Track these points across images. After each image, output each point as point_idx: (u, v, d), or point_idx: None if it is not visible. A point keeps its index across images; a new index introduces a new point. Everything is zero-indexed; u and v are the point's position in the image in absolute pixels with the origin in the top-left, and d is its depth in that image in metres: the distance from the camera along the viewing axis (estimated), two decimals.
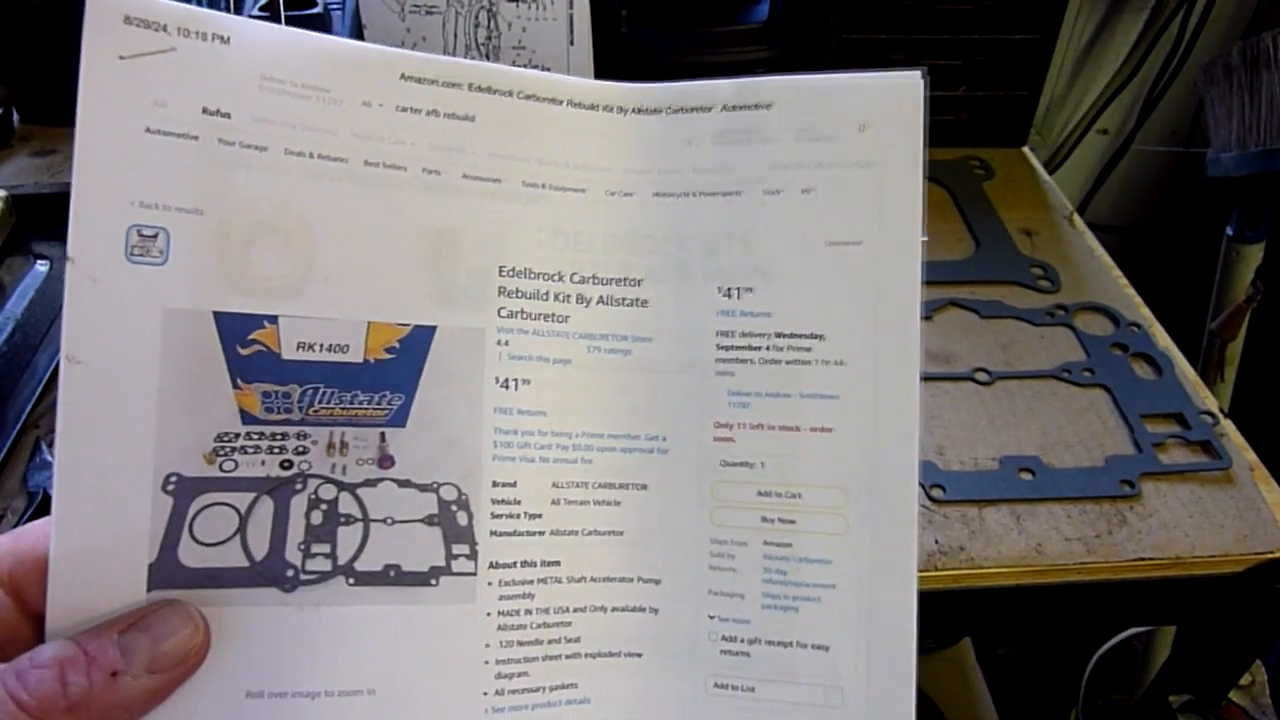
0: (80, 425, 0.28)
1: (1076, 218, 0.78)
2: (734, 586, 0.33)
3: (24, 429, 0.58)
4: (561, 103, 0.33)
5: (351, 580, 0.30)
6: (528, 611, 0.32)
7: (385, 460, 0.31)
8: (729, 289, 0.34)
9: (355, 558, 0.30)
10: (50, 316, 0.66)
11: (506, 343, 0.32)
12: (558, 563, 0.33)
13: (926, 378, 0.62)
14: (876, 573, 0.32)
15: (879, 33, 0.81)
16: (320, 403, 0.30)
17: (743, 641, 0.33)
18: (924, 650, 1.08)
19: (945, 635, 1.06)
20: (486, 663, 0.32)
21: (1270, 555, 0.51)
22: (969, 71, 0.83)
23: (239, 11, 0.79)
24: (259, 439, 0.30)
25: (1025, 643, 1.20)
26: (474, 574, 0.32)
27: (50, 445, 0.56)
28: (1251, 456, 0.57)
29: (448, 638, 0.31)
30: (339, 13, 0.88)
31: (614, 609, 0.33)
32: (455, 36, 0.78)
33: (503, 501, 0.32)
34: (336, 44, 0.31)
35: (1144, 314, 0.68)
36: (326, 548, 0.30)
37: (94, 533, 0.28)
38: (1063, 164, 1.18)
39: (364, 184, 0.31)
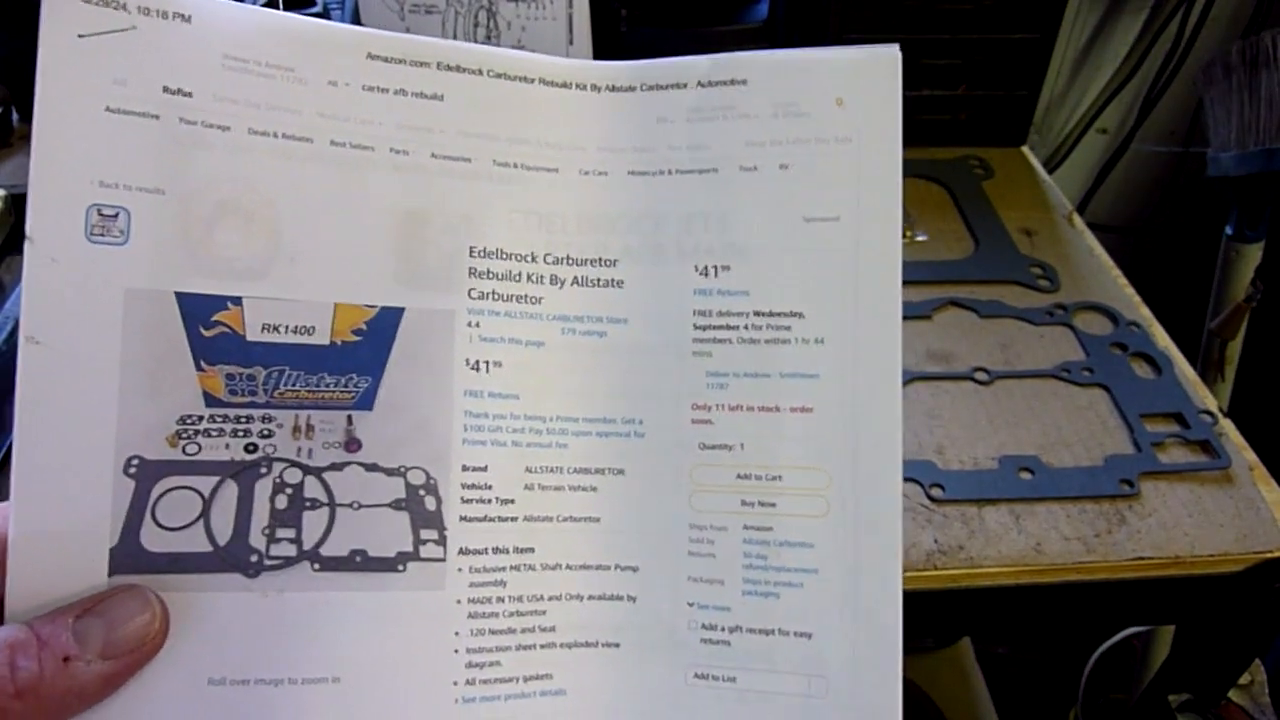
0: (40, 407, 0.28)
1: (1076, 217, 0.78)
2: (714, 573, 0.32)
3: None
4: (533, 81, 0.33)
5: (316, 566, 0.30)
6: (500, 599, 0.32)
7: (352, 444, 0.31)
8: (706, 268, 0.33)
9: (320, 543, 0.30)
10: None
11: (477, 324, 0.32)
12: (531, 549, 0.32)
13: (925, 377, 0.61)
14: (860, 557, 0.32)
15: (879, 32, 0.81)
16: (285, 385, 0.30)
17: (723, 630, 0.32)
18: (923, 649, 1.08)
19: (945, 635, 1.06)
20: (456, 651, 0.31)
21: (1269, 554, 0.51)
22: (968, 71, 0.83)
23: None
24: (223, 421, 0.30)
25: (1024, 642, 1.19)
26: (443, 560, 0.31)
27: None
28: (1251, 456, 0.56)
29: (415, 625, 0.31)
30: (338, 11, 0.88)
31: (590, 597, 0.33)
32: (454, 36, 0.79)
33: (473, 486, 0.31)
34: (302, 22, 0.30)
35: (1143, 313, 0.68)
36: (291, 532, 0.30)
37: (54, 516, 0.28)
38: (1062, 163, 1.18)
39: (330, 164, 0.30)
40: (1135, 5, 1.08)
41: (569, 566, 0.33)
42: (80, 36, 0.28)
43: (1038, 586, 0.51)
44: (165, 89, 0.29)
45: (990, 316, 0.67)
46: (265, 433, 0.30)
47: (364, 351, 0.31)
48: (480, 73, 0.32)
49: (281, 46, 0.30)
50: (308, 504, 0.30)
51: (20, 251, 0.70)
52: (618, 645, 0.32)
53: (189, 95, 0.29)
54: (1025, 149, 0.87)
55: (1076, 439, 0.57)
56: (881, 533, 0.32)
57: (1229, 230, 0.90)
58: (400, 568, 0.31)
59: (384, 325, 0.31)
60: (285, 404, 0.30)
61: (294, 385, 0.30)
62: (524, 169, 0.33)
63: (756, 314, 0.33)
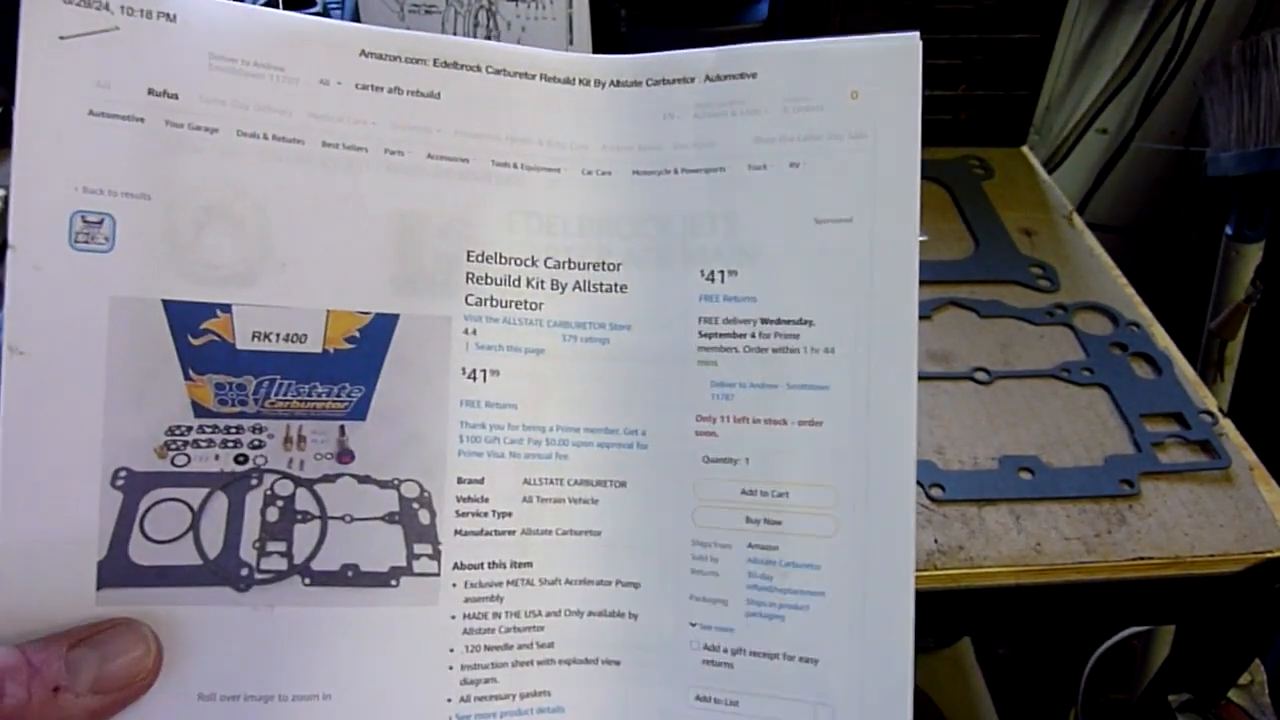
0: (24, 418, 0.27)
1: (1076, 217, 0.78)
2: (717, 592, 0.31)
3: None
4: (534, 77, 0.32)
5: (307, 580, 0.29)
6: (496, 615, 0.31)
7: (344, 455, 0.30)
8: (712, 272, 0.32)
9: (312, 557, 0.29)
10: None
11: (474, 331, 0.31)
12: (529, 564, 0.31)
13: (925, 377, 0.61)
14: (870, 580, 0.30)
15: (879, 32, 0.80)
16: (277, 395, 0.29)
17: (726, 651, 0.31)
18: (923, 650, 1.08)
19: (944, 635, 1.06)
20: (451, 668, 0.30)
21: (1269, 555, 0.51)
22: (968, 71, 0.82)
23: None
24: (212, 432, 0.29)
25: (1024, 642, 1.18)
26: (437, 574, 0.30)
27: None
28: (1251, 456, 0.56)
29: (409, 641, 0.30)
30: (338, 11, 0.87)
31: (590, 613, 0.32)
32: (454, 36, 0.78)
33: (469, 499, 0.31)
34: (291, 20, 0.30)
35: (1143, 313, 0.67)
36: (282, 546, 0.29)
37: (40, 529, 0.27)
38: (1062, 163, 1.18)
39: (322, 166, 0.30)
40: (1135, 5, 1.08)
41: (568, 581, 0.32)
42: (62, 38, 0.27)
43: (1038, 586, 0.51)
44: (150, 91, 0.28)
45: (990, 316, 0.67)
46: (256, 443, 0.29)
47: (357, 360, 0.30)
48: (478, 69, 0.31)
49: (271, 45, 0.29)
50: (299, 517, 0.29)
51: None
52: (618, 663, 0.32)
53: (175, 97, 0.28)
54: (1025, 149, 0.87)
55: (1076, 439, 0.57)
56: (892, 555, 0.30)
57: (1229, 230, 0.90)
58: (393, 583, 0.30)
59: (378, 333, 0.30)
60: (276, 414, 0.29)
61: (285, 395, 0.29)
62: (524, 169, 0.32)
63: (764, 321, 0.31)
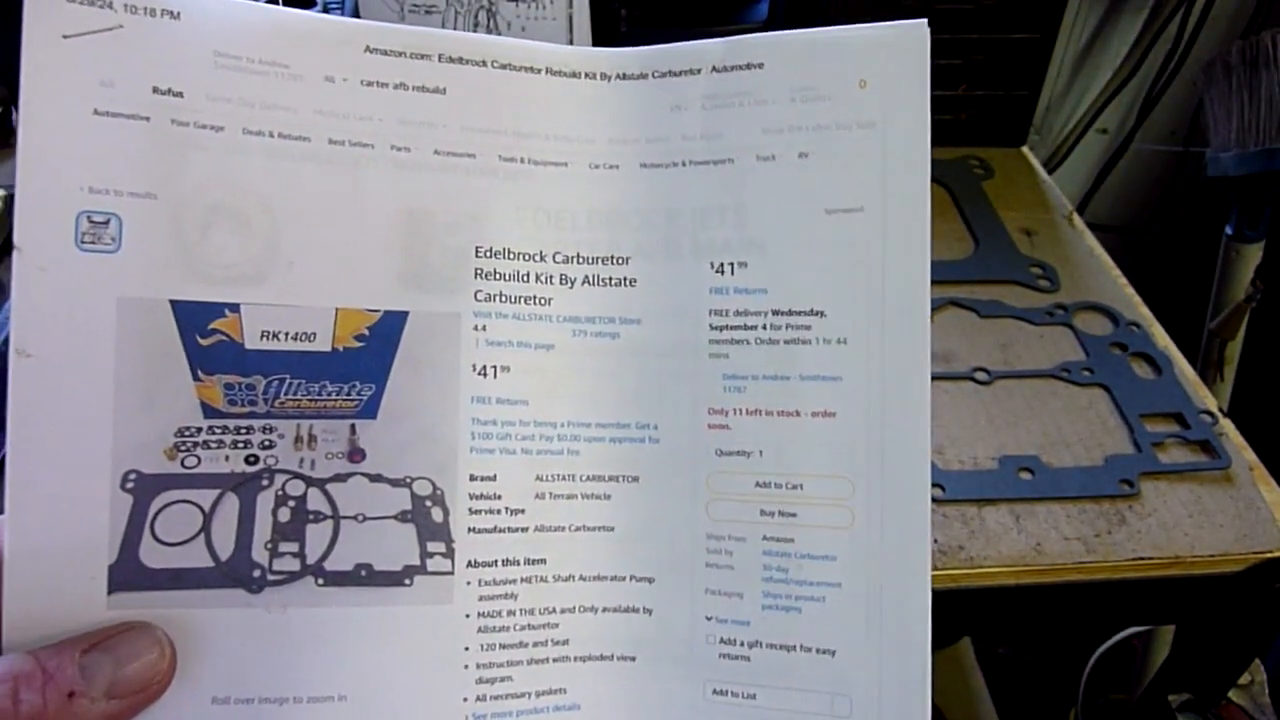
0: (33, 422, 0.27)
1: (1076, 217, 0.78)
2: (732, 585, 0.31)
3: None
4: (540, 71, 0.31)
5: (321, 580, 0.29)
6: (510, 612, 0.31)
7: (355, 454, 0.30)
8: (722, 264, 0.32)
9: (325, 557, 0.29)
10: None
11: (484, 328, 0.31)
12: (543, 560, 0.31)
13: None
14: (886, 570, 0.30)
15: None
16: (286, 394, 0.29)
17: (742, 644, 0.31)
18: None
19: (944, 635, 1.05)
20: (466, 666, 0.30)
21: (1269, 555, 0.51)
22: (969, 71, 0.82)
23: None
24: (222, 433, 0.29)
25: (1025, 642, 1.18)
26: (451, 573, 0.30)
27: None
28: (1251, 456, 0.56)
29: (424, 640, 0.30)
30: (338, 11, 0.87)
31: (604, 609, 0.32)
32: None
33: (481, 496, 0.31)
34: (296, 17, 0.29)
35: (1143, 313, 0.67)
36: (295, 546, 0.29)
37: (50, 533, 0.27)
38: (1062, 163, 1.18)
39: (328, 163, 0.29)
40: (1135, 5, 1.08)
41: (582, 578, 0.32)
42: (65, 37, 0.27)
43: (1038, 586, 0.51)
44: (155, 89, 0.28)
45: (990, 316, 0.67)
46: (266, 444, 0.29)
47: (367, 358, 0.30)
48: (484, 64, 0.31)
49: (275, 42, 0.29)
50: (311, 517, 0.29)
51: None
52: (633, 659, 0.32)
53: (180, 95, 0.28)
54: (1025, 149, 0.87)
55: (1076, 439, 0.57)
56: (909, 545, 0.30)
57: (1229, 230, 0.90)
58: (407, 581, 0.30)
59: (387, 330, 0.30)
60: (286, 413, 0.29)
61: (295, 394, 0.29)
62: (531, 164, 0.31)
63: (775, 313, 0.31)
